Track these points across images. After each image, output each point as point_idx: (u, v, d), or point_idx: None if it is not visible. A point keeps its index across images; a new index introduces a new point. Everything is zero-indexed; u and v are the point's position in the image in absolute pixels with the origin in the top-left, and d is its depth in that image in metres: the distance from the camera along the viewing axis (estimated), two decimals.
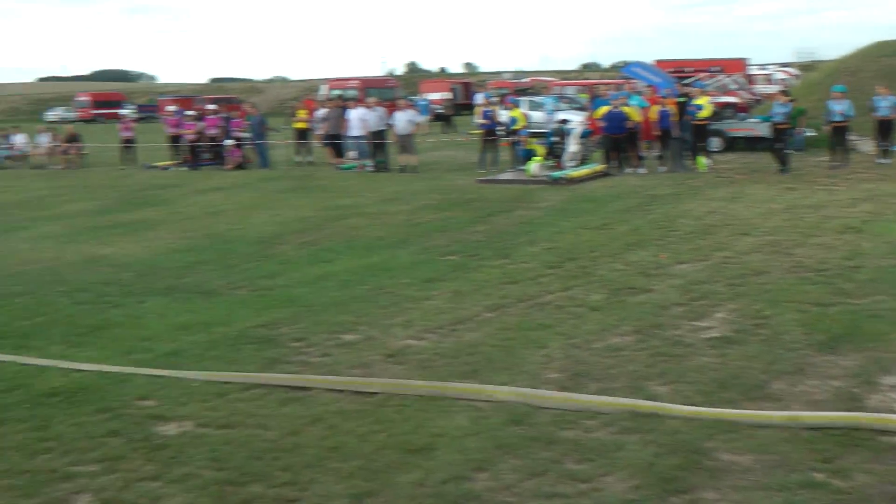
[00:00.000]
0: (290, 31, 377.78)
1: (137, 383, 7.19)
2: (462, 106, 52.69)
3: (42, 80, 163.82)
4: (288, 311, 9.35)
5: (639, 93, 23.48)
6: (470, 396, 6.53)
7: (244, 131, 27.38)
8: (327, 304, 9.59)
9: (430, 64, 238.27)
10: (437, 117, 43.07)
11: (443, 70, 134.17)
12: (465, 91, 58.26)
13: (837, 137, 20.43)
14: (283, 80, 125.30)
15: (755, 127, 24.07)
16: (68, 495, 5.30)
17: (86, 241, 14.69)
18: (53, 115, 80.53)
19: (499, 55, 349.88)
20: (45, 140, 31.92)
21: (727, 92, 32.47)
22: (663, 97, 21.98)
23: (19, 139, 33.05)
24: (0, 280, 11.64)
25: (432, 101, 45.75)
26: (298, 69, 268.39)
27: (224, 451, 5.78)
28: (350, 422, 6.21)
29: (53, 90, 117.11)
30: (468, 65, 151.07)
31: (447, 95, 52.46)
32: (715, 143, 23.42)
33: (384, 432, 5.99)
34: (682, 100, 21.61)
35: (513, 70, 73.46)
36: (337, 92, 42.28)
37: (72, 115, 77.60)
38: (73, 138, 31.31)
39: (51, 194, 22.61)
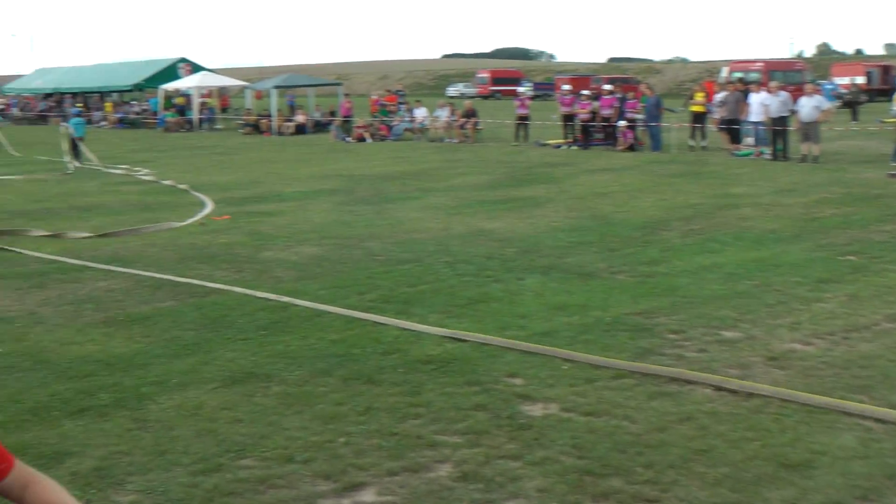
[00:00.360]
0: (694, 11, 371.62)
1: (508, 360, 7.20)
2: (879, 91, 49.14)
3: (445, 56, 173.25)
4: (667, 300, 9.01)
5: None
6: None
7: (638, 112, 27.24)
8: (709, 296, 9.14)
9: (844, 45, 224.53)
10: (846, 103, 40.37)
11: (859, 52, 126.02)
12: (882, 75, 54.27)
13: None
14: (683, 61, 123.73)
15: None
16: (431, 463, 5.36)
17: (473, 214, 15.15)
18: (454, 90, 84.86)
19: None
20: (443, 114, 33.54)
21: None
22: None
23: (420, 113, 35.04)
24: (389, 247, 12.25)
25: (840, 86, 42.94)
26: (699, 50, 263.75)
27: (587, 440, 5.60)
28: (721, 425, 5.81)
29: (455, 66, 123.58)
30: (890, 46, 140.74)
31: (859, 80, 49.04)
32: None
33: (758, 441, 5.53)
34: None
35: None
36: (738, 74, 40.79)
37: (471, 90, 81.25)
38: (470, 113, 32.64)
39: (444, 167, 23.70)
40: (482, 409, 6.18)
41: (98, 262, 11.43)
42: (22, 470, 3.47)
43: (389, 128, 35.40)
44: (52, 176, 24.18)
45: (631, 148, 26.46)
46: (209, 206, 16.85)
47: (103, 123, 52.67)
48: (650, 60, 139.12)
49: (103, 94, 59.36)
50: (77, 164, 26.70)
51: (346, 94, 41.74)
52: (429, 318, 8.49)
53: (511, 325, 8.20)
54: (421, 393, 6.49)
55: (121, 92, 58.89)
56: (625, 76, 66.18)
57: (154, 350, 7.68)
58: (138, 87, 55.51)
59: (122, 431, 5.88)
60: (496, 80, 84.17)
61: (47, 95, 63.80)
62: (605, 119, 27.73)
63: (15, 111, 62.74)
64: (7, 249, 12.49)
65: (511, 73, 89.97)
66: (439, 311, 8.77)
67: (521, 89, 44.01)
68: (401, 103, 40.61)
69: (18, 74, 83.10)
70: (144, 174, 23.62)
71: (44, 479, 3.52)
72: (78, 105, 52.77)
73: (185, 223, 14.77)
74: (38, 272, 11.02)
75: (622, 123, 26.90)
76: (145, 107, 52.71)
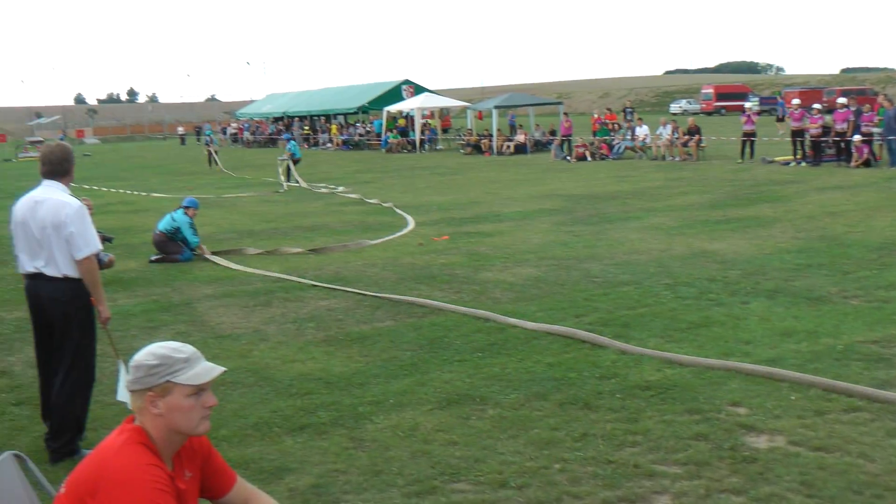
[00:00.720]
0: None
1: (731, 388, 6.88)
2: None
3: (668, 72, 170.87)
4: None
5: None
6: None
7: (875, 126, 25.88)
8: None
9: None
10: None
11: None
12: None
13: None
14: None
15: None
16: (649, 494, 5.17)
17: (695, 234, 14.73)
18: (676, 107, 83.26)
19: None
20: (666, 132, 32.94)
21: None
22: None
23: (642, 131, 34.56)
24: (608, 268, 12.05)
25: None
26: None
27: (817, 477, 5.25)
28: None
29: (678, 82, 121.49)
30: None
31: None
32: None
33: None
34: None
35: None
36: None
37: (694, 107, 79.52)
38: (693, 130, 31.89)
39: (665, 185, 23.27)
40: (703, 438, 5.93)
41: (320, 281, 11.81)
42: (243, 485, 3.57)
43: (610, 146, 35.10)
44: (266, 195, 26.43)
45: (866, 164, 25.18)
46: (411, 225, 17.30)
47: (328, 145, 54.89)
48: (889, 69, 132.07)
49: (329, 116, 61.91)
50: (289, 183, 29.38)
51: (566, 113, 41.69)
52: (648, 341, 8.27)
53: (734, 352, 7.86)
54: (639, 420, 6.30)
55: (346, 114, 61.20)
56: (861, 87, 63.08)
57: (372, 370, 7.82)
58: (363, 110, 57.51)
59: (339, 450, 6.00)
60: (721, 96, 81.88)
61: (276, 119, 67.18)
62: (839, 133, 26.50)
63: (247, 135, 66.51)
64: (234, 269, 13.14)
65: (736, 87, 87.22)
66: (659, 335, 8.53)
67: (747, 104, 42.73)
68: (628, 120, 40.32)
69: (251, 100, 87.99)
70: (343, 191, 25.70)
71: (262, 495, 3.61)
72: (305, 129, 55.21)
73: (375, 242, 15.32)
74: (264, 290, 11.51)
75: (857, 138, 25.63)
76: (369, 128, 54.58)
